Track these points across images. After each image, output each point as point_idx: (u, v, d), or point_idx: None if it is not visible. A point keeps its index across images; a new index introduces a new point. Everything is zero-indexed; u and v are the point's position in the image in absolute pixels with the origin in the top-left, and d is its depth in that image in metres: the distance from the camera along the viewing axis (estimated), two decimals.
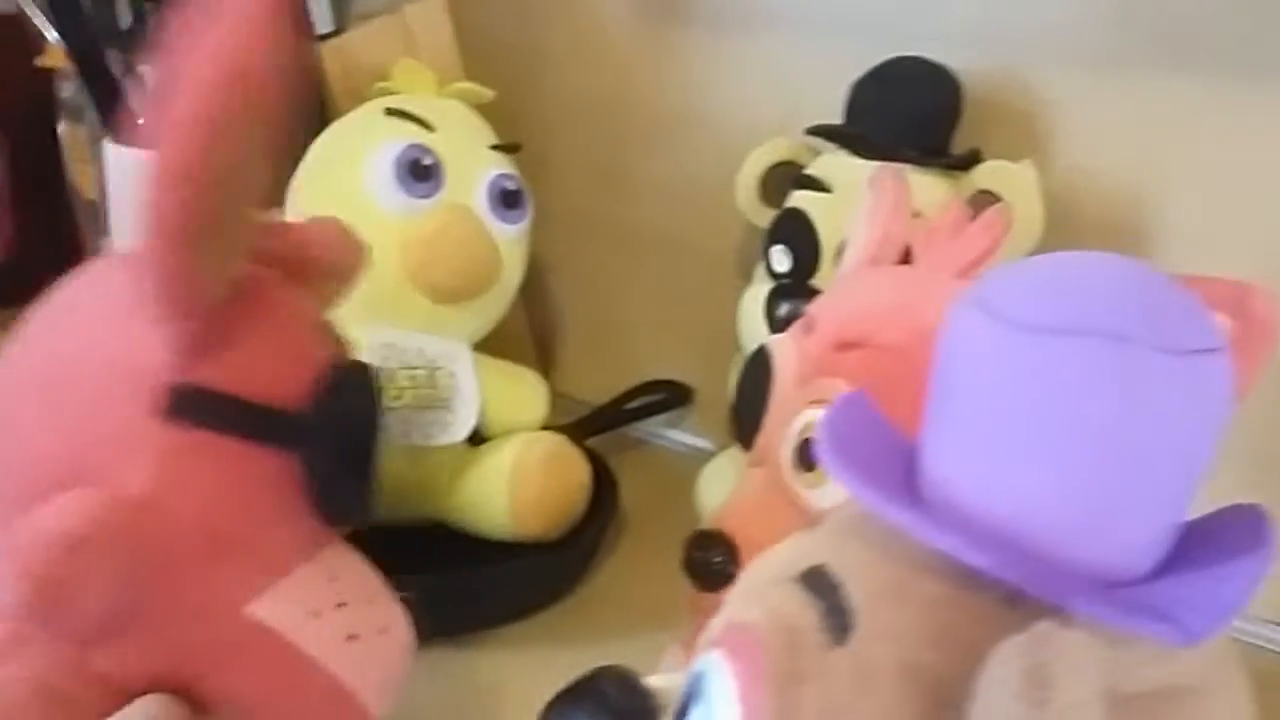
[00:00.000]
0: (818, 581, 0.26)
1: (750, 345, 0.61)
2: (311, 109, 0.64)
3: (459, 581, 0.58)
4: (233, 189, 0.33)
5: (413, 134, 0.59)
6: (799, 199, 0.61)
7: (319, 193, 0.60)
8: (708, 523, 0.45)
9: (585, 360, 0.85)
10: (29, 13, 0.71)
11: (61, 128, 0.81)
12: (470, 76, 0.67)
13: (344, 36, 0.65)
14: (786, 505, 0.43)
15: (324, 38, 0.64)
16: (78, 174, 0.82)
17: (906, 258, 0.47)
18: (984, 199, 0.55)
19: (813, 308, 0.46)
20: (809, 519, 0.32)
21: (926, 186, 0.56)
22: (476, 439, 0.64)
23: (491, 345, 0.65)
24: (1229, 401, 0.24)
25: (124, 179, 0.76)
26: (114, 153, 0.76)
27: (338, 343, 0.40)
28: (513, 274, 0.63)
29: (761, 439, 0.45)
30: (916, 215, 0.53)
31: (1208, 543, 0.26)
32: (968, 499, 0.24)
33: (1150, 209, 0.59)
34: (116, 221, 0.77)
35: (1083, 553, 0.24)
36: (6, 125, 0.82)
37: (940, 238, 0.45)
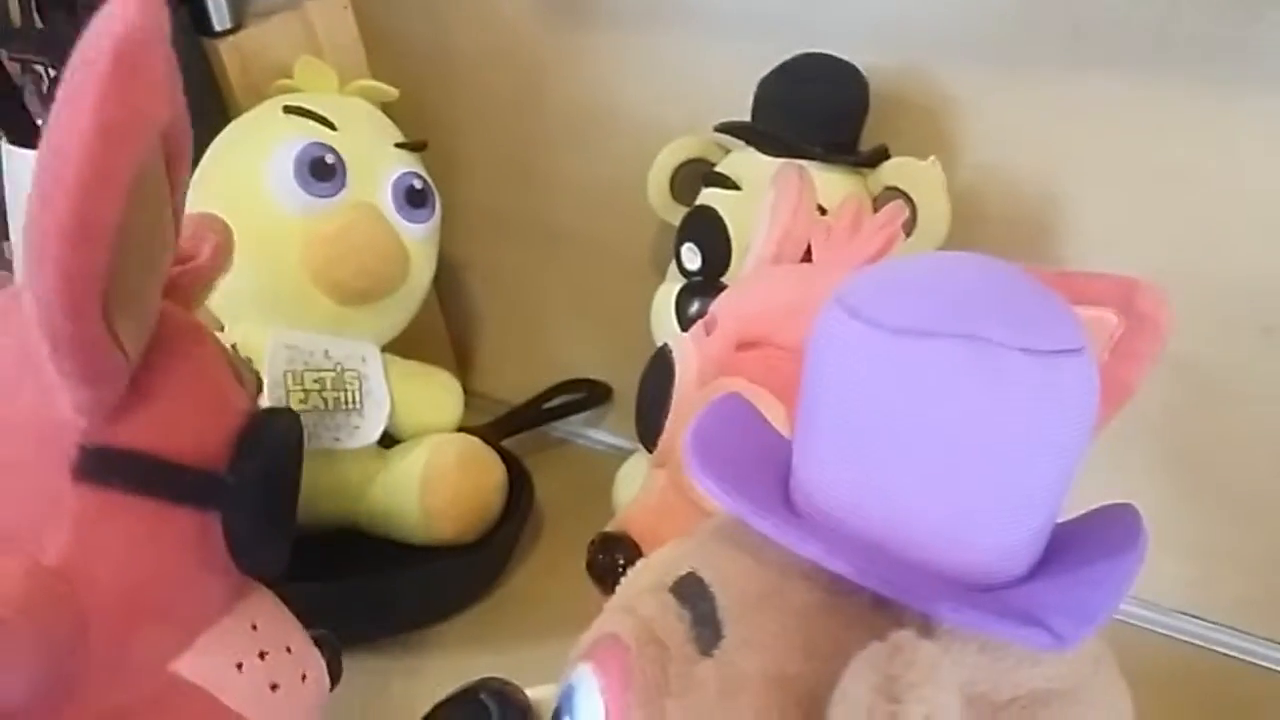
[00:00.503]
0: (689, 590, 0.25)
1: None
2: (209, 107, 0.63)
3: (373, 586, 0.58)
4: (140, 245, 0.31)
5: (314, 132, 0.58)
6: (709, 196, 0.61)
7: (217, 192, 0.59)
8: (611, 525, 0.45)
9: (502, 359, 0.84)
10: None
11: None
12: (376, 75, 0.66)
13: (243, 33, 0.63)
14: (688, 507, 0.43)
15: (222, 34, 0.63)
16: None
17: (809, 255, 0.47)
18: (891, 196, 0.55)
19: (714, 307, 0.46)
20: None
21: (833, 183, 0.56)
22: (389, 441, 0.63)
23: (407, 345, 0.64)
24: (1093, 402, 0.24)
25: (21, 181, 0.74)
26: (10, 154, 0.74)
27: (251, 384, 0.39)
28: (421, 274, 0.62)
29: (664, 440, 0.45)
30: (823, 212, 0.53)
31: (1081, 544, 0.25)
32: (836, 503, 0.24)
33: (1056, 206, 0.59)
34: (15, 225, 0.75)
35: (949, 556, 0.23)
36: None
37: (839, 236, 0.45)
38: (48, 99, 0.73)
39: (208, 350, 0.37)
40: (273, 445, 0.37)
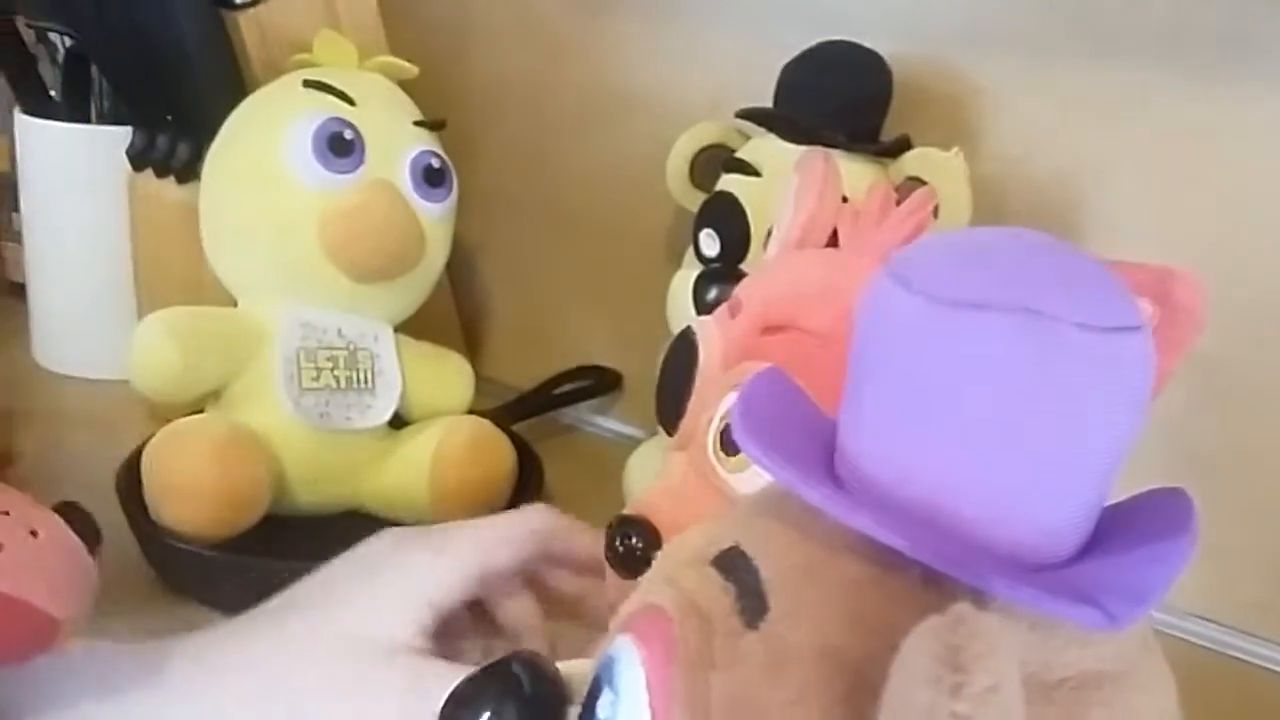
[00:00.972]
0: (732, 564, 0.25)
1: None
2: (229, 80, 0.62)
3: None
4: None
5: (332, 107, 0.57)
6: (728, 182, 0.60)
7: (234, 166, 0.59)
8: (630, 508, 0.44)
9: (513, 344, 0.84)
10: None
11: None
12: (395, 52, 0.66)
13: (262, 6, 0.63)
14: (709, 490, 0.42)
15: (242, 7, 0.62)
16: None
17: (834, 241, 0.47)
18: (912, 186, 0.55)
19: (739, 290, 0.45)
20: (731, 504, 0.31)
21: (855, 173, 0.56)
22: (399, 423, 0.63)
23: (418, 327, 0.64)
24: (1149, 381, 0.23)
25: (33, 151, 0.74)
26: (24, 124, 0.74)
27: None
28: (437, 254, 0.62)
29: (685, 423, 0.45)
30: (845, 201, 0.53)
31: (1131, 527, 0.25)
32: (885, 477, 0.23)
33: (1078, 198, 0.59)
34: (26, 196, 0.75)
35: (1001, 533, 0.23)
36: None
37: (866, 221, 0.45)
38: (63, 68, 0.73)
39: None
40: None
